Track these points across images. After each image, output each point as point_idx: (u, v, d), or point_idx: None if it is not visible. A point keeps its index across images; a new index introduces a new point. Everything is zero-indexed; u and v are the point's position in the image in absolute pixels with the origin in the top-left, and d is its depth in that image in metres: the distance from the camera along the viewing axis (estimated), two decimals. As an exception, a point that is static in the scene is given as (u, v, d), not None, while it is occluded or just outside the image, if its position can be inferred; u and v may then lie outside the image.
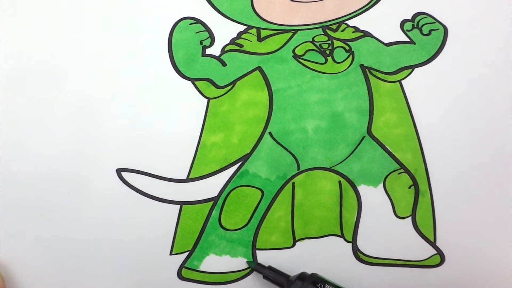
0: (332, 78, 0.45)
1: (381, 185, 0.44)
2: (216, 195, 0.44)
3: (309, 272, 0.42)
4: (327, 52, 0.46)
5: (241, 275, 0.44)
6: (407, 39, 0.46)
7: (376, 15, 0.46)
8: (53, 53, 0.46)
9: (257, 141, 0.45)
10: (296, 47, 0.46)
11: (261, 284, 0.44)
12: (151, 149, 0.45)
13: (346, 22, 0.46)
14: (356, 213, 0.44)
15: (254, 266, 0.44)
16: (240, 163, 0.45)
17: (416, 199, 0.44)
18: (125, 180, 0.44)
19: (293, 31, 0.46)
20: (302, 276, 0.41)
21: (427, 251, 0.44)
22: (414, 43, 0.46)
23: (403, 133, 0.45)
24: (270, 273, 0.43)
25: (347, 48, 0.45)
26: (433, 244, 0.44)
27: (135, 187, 0.44)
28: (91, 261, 0.44)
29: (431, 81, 0.45)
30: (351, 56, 0.45)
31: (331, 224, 0.44)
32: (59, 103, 0.45)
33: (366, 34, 0.46)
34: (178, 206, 0.44)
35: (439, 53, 0.45)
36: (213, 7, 0.46)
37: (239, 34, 0.46)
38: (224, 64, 0.45)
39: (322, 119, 0.45)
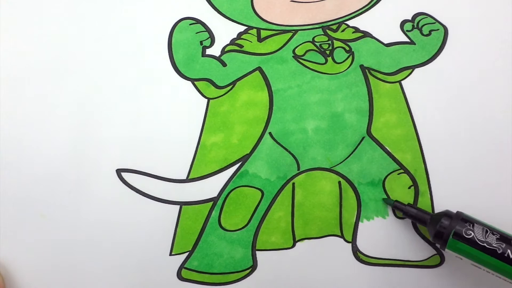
0: (332, 79, 0.45)
1: (381, 185, 0.44)
2: (216, 195, 0.44)
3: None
4: (327, 52, 0.46)
5: (241, 276, 0.44)
6: (407, 40, 0.46)
7: (376, 15, 0.46)
8: (53, 53, 0.46)
9: (257, 142, 0.45)
10: (296, 47, 0.46)
11: (261, 285, 0.44)
12: (151, 149, 0.45)
13: (346, 22, 0.46)
14: (356, 213, 0.44)
15: (393, 203, 0.43)
16: (240, 163, 0.45)
17: (415, 199, 0.44)
18: (125, 180, 0.44)
19: (293, 31, 0.46)
20: (448, 214, 0.41)
21: (427, 251, 0.44)
22: (414, 44, 0.46)
23: (403, 133, 0.45)
24: (411, 210, 0.42)
25: (347, 48, 0.45)
26: (432, 244, 0.44)
27: (135, 187, 0.44)
28: (90, 261, 0.44)
29: (431, 82, 0.45)
30: (351, 57, 0.45)
31: (331, 225, 0.44)
32: (59, 104, 0.45)
33: (366, 34, 0.46)
34: (178, 207, 0.44)
35: (439, 54, 0.45)
36: (213, 8, 0.46)
37: (239, 35, 0.46)
38: (224, 64, 0.45)
39: (322, 120, 0.45)
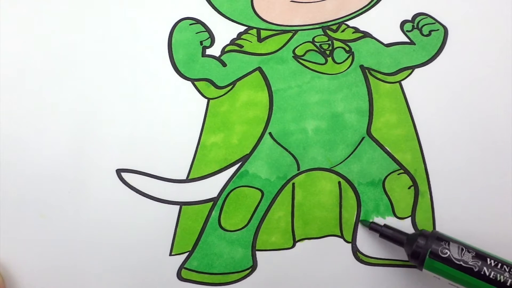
0: (332, 79, 0.45)
1: (381, 185, 0.44)
2: (216, 195, 0.44)
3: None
4: (327, 52, 0.46)
5: (241, 276, 0.44)
6: (407, 40, 0.46)
7: (376, 15, 0.46)
8: (53, 53, 0.46)
9: (257, 142, 0.45)
10: (296, 47, 0.46)
11: (261, 285, 0.44)
12: (151, 149, 0.45)
13: (346, 22, 0.46)
14: (356, 213, 0.44)
15: (369, 225, 0.43)
16: (240, 163, 0.45)
17: (415, 199, 0.44)
18: (125, 180, 0.44)
19: (293, 32, 0.46)
20: (424, 234, 0.40)
21: (426, 251, 0.44)
22: (414, 44, 0.46)
23: (403, 133, 0.45)
24: (387, 231, 0.42)
25: (347, 48, 0.45)
26: (432, 244, 0.44)
27: (135, 187, 0.44)
28: (90, 261, 0.44)
29: (431, 82, 0.45)
30: (351, 57, 0.45)
31: (331, 225, 0.44)
32: (59, 103, 0.45)
33: (366, 34, 0.46)
34: (177, 207, 0.44)
35: (439, 54, 0.45)
36: (213, 8, 0.46)
37: (239, 35, 0.46)
38: (224, 64, 0.45)
39: (322, 120, 0.45)
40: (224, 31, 0.46)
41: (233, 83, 0.45)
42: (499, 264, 0.38)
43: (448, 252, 0.39)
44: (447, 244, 0.39)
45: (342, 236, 0.44)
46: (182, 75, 0.45)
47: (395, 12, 0.46)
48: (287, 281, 0.44)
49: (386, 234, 0.42)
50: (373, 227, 0.43)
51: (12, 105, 0.45)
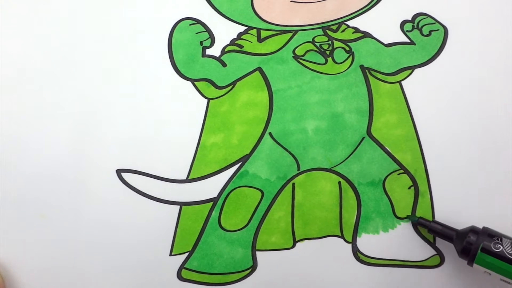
0: (332, 79, 0.45)
1: (381, 185, 0.44)
2: (216, 195, 0.44)
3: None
4: (327, 52, 0.46)
5: (241, 276, 0.44)
6: (407, 40, 0.46)
7: (376, 15, 0.46)
8: (53, 53, 0.46)
9: (257, 142, 0.45)
10: (296, 47, 0.46)
11: (261, 285, 0.44)
12: (151, 149, 0.45)
13: (346, 22, 0.46)
14: (356, 213, 0.44)
15: (417, 220, 0.43)
16: (240, 163, 0.45)
17: (415, 199, 0.44)
18: (125, 180, 0.44)
19: (293, 32, 0.46)
20: (474, 229, 0.40)
21: (427, 251, 0.44)
22: (414, 44, 0.46)
23: (403, 133, 0.45)
24: (436, 226, 0.42)
25: (347, 48, 0.45)
26: (432, 244, 0.44)
27: (135, 187, 0.44)
28: (90, 261, 0.44)
29: (431, 82, 0.45)
30: (351, 57, 0.45)
31: (331, 225, 0.44)
32: (59, 104, 0.45)
33: (366, 34, 0.46)
34: (177, 207, 0.44)
35: (439, 54, 0.45)
36: (213, 8, 0.46)
37: (239, 35, 0.46)
38: (224, 64, 0.45)
39: (322, 120, 0.45)
40: (224, 31, 0.46)
41: (233, 83, 0.45)
42: None
43: (501, 247, 0.39)
44: (499, 239, 0.39)
45: (342, 236, 0.44)
46: (182, 75, 0.45)
47: (395, 12, 0.46)
48: (287, 281, 0.44)
49: (435, 229, 0.42)
50: (421, 223, 0.43)
51: (12, 105, 0.45)
